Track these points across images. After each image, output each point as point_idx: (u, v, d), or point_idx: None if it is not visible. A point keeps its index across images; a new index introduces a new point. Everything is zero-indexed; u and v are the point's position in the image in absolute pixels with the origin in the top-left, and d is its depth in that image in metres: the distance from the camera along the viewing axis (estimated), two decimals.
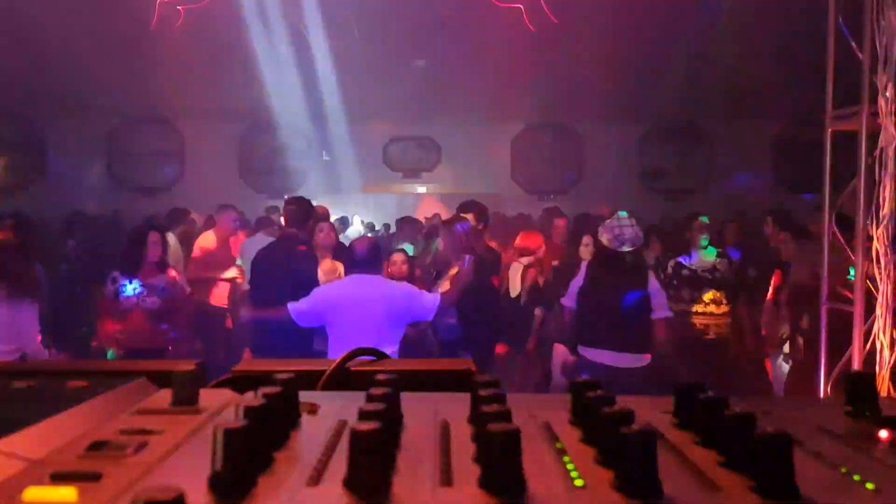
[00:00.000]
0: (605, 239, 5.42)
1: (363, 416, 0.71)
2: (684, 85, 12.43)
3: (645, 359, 5.39)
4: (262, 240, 8.42)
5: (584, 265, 5.72)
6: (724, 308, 6.18)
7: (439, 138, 15.61)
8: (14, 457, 0.70)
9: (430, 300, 5.08)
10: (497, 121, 14.93)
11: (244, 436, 0.65)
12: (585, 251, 6.47)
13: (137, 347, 5.61)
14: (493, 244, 7.08)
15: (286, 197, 7.36)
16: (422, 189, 15.74)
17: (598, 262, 5.60)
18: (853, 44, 4.34)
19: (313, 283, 5.60)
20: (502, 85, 12.03)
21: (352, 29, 10.44)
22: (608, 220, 5.54)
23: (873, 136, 4.21)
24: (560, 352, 6.54)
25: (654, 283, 5.57)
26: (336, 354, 1.34)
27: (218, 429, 0.64)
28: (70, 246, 8.53)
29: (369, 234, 11.65)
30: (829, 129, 4.60)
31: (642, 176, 16.15)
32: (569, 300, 5.69)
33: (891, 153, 4.12)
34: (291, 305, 5.04)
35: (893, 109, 4.07)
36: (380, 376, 0.87)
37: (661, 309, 5.53)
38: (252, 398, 0.79)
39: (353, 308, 4.87)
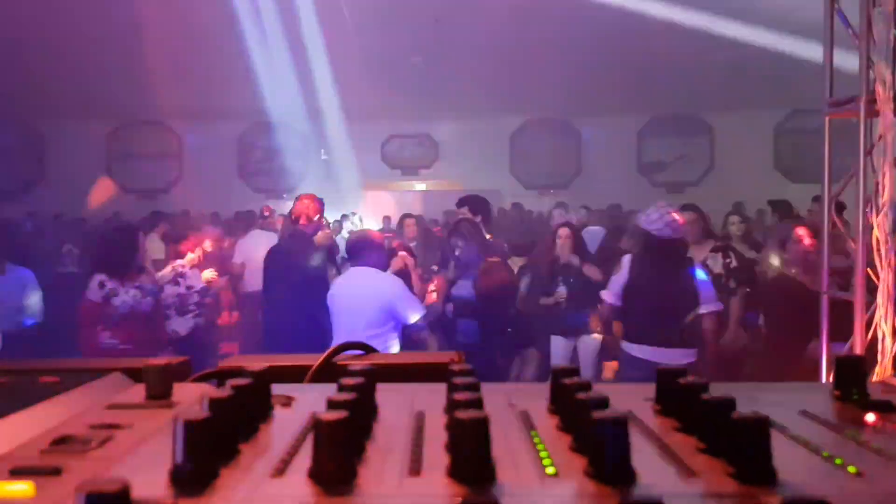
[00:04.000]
0: (652, 229, 5.07)
1: (331, 405, 0.69)
2: (683, 77, 12.41)
3: (691, 354, 5.14)
4: (259, 236, 8.45)
5: (627, 259, 5.29)
6: None
7: (437, 135, 15.61)
8: None
9: (413, 307, 5.14)
10: (495, 116, 14.92)
11: (205, 428, 0.63)
12: (563, 244, 6.43)
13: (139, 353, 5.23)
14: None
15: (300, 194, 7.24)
16: (420, 186, 15.73)
17: (645, 255, 5.21)
18: (850, 30, 4.31)
19: (324, 279, 5.71)
20: (500, 80, 12.01)
21: (346, 24, 10.41)
22: (650, 211, 5.18)
23: (872, 124, 4.18)
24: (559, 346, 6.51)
25: (701, 275, 5.27)
26: (335, 341, 1.35)
27: (178, 421, 0.63)
28: (64, 250, 8.51)
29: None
30: (828, 118, 4.56)
31: (642, 169, 16.13)
32: (611, 296, 5.31)
33: (889, 140, 4.08)
34: None
35: (891, 96, 4.04)
36: (353, 367, 0.85)
37: (710, 302, 5.22)
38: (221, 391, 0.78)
39: (347, 299, 5.11)
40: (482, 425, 0.62)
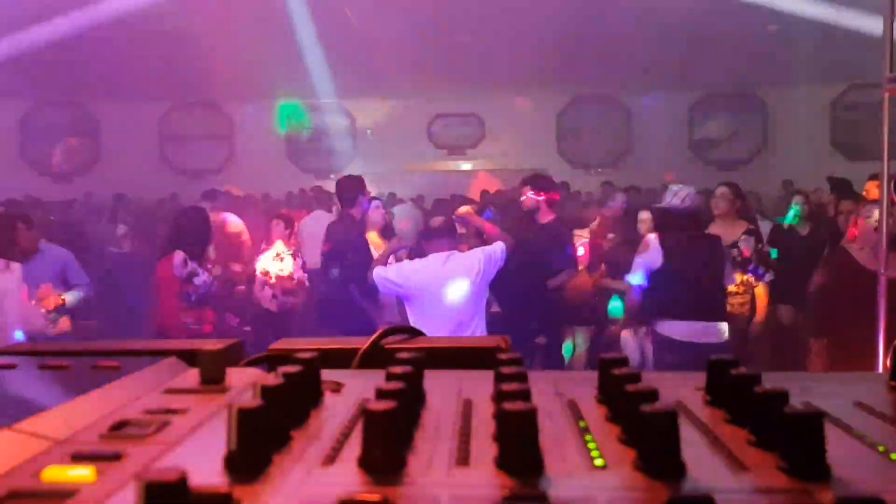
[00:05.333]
0: (664, 204, 5.24)
1: (380, 395, 0.70)
2: (736, 51, 12.12)
3: (724, 332, 5.20)
4: (320, 217, 8.60)
5: (653, 240, 5.23)
6: (733, 288, 5.84)
7: (483, 114, 15.51)
8: (39, 437, 0.71)
9: (498, 251, 5.17)
10: (542, 94, 14.76)
11: (259, 415, 0.64)
12: (643, 227, 6.30)
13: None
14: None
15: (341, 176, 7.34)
16: (466, 166, 15.68)
17: (665, 232, 5.26)
18: None
19: (367, 260, 5.76)
20: (547, 57, 11.87)
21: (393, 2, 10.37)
22: (666, 194, 5.37)
23: None
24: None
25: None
26: (430, 331, 1.37)
27: (232, 408, 0.64)
28: (120, 232, 8.68)
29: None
30: (887, 93, 4.41)
31: (693, 147, 15.84)
32: (639, 278, 5.23)
33: None
34: (379, 270, 5.18)
35: None
36: (402, 354, 0.86)
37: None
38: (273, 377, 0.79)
39: (442, 287, 4.96)
40: (531, 417, 0.62)
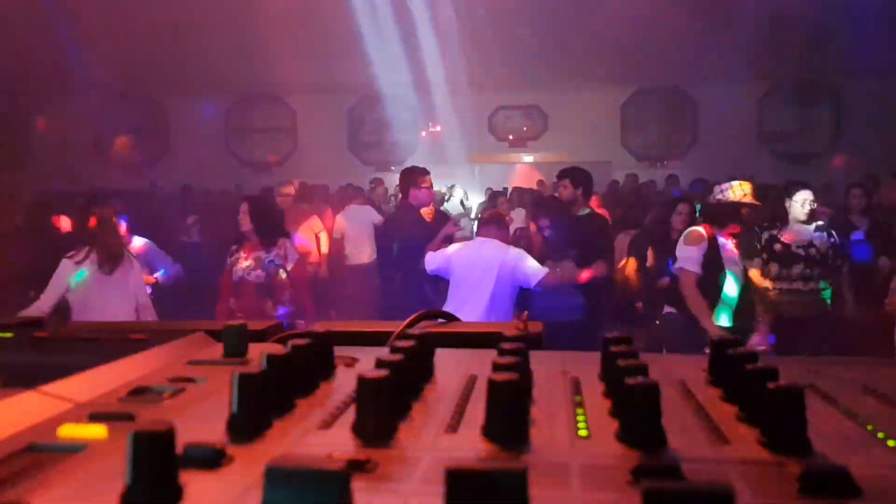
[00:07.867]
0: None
1: (379, 365, 0.72)
2: (808, 40, 11.75)
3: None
4: (354, 210, 8.76)
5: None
6: (811, 285, 5.68)
7: (546, 106, 15.39)
8: (62, 399, 0.76)
9: (532, 269, 5.14)
10: (606, 85, 14.56)
11: (258, 381, 0.68)
12: (678, 219, 6.23)
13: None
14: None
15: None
16: (528, 158, 15.58)
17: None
18: None
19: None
20: (610, 48, 11.71)
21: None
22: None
23: None
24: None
25: None
26: (451, 306, 1.41)
27: (234, 374, 0.68)
28: (189, 222, 8.93)
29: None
30: None
31: (763, 139, 15.41)
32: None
33: None
34: (429, 255, 5.45)
35: None
36: (412, 331, 0.89)
37: None
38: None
39: (471, 268, 5.18)
40: (513, 387, 0.64)
